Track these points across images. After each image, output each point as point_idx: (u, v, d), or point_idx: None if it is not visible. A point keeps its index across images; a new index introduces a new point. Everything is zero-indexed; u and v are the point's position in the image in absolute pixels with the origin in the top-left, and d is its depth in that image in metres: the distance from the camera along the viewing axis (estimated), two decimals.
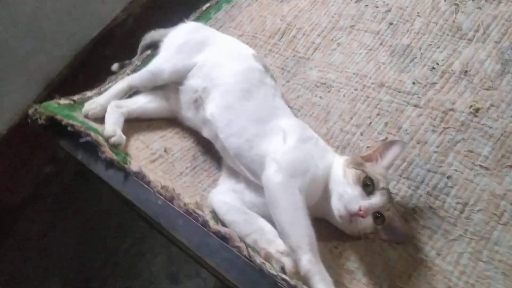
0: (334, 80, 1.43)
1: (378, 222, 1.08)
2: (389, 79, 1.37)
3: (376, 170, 1.10)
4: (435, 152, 1.21)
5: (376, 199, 1.06)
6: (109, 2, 2.11)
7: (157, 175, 1.23)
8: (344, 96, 1.39)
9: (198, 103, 1.33)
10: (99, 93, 1.53)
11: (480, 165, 1.17)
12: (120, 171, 1.20)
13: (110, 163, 1.21)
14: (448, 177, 1.17)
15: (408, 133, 1.26)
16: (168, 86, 1.44)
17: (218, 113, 1.26)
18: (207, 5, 1.82)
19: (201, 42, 1.44)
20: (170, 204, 1.12)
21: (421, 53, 1.39)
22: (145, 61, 1.64)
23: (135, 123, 1.43)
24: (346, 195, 1.06)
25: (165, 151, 1.36)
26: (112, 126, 1.32)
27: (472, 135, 1.20)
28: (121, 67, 1.69)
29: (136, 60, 1.67)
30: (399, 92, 1.34)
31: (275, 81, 1.38)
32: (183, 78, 1.39)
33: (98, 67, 2.16)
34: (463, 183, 1.15)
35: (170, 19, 1.70)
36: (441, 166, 1.18)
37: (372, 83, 1.38)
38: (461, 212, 1.12)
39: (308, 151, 1.14)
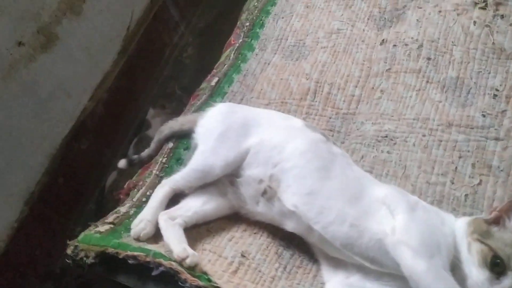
0: (395, 130, 1.34)
1: None
2: (455, 117, 1.29)
3: (505, 238, 0.98)
4: None
5: (508, 282, 0.93)
6: (75, 94, 1.97)
7: None
8: (414, 145, 1.29)
9: (268, 194, 1.19)
10: (135, 205, 1.35)
11: None
12: None
13: None
14: None
15: (502, 170, 1.17)
16: (221, 181, 1.28)
17: (302, 202, 1.12)
18: (216, 79, 1.69)
19: (244, 124, 1.31)
20: None
21: (474, 82, 1.33)
22: (172, 156, 1.48)
23: (192, 230, 1.26)
24: (471, 280, 0.96)
25: (242, 255, 1.19)
26: (180, 245, 1.14)
27: None
28: (130, 163, 1.52)
29: (159, 156, 1.50)
30: (472, 128, 1.26)
31: (340, 147, 1.28)
32: (239, 168, 1.25)
33: (77, 165, 2.02)
34: None
35: (138, 98, 1.60)
36: None
37: (438, 125, 1.30)
38: None
39: (426, 220, 1.02)
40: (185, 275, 1.05)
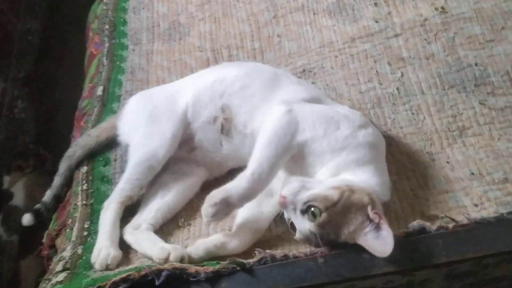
0: (309, 63, 1.37)
1: (293, 228, 0.95)
2: (353, 31, 1.39)
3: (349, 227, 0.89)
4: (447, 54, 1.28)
5: (300, 220, 0.91)
6: None
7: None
8: (332, 68, 1.34)
9: (226, 127, 1.12)
10: (79, 243, 1.13)
11: None
12: (237, 274, 0.91)
13: (215, 278, 0.91)
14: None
15: (413, 58, 1.29)
16: (173, 162, 1.16)
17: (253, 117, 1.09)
18: (100, 87, 1.50)
19: (168, 96, 1.22)
20: None
21: (354, 0, 1.46)
22: (93, 179, 1.27)
23: (164, 231, 1.12)
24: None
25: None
26: (155, 247, 1.02)
27: (459, 25, 1.32)
28: (37, 215, 1.27)
29: (75, 187, 1.27)
30: (372, 35, 1.36)
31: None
32: (188, 130, 1.16)
33: None
34: None
35: None
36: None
37: (343, 44, 1.38)
38: None
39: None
40: (193, 268, 0.92)
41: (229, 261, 0.92)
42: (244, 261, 0.92)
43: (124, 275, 0.92)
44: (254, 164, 0.98)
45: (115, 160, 1.30)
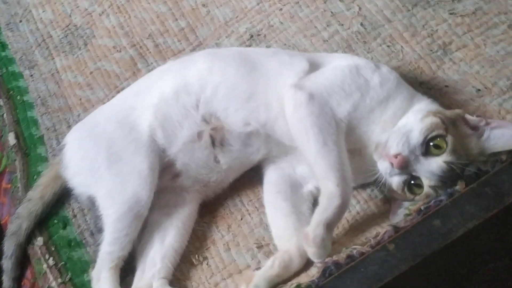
0: (252, 25, 1.18)
1: (412, 191, 0.84)
2: None
3: (470, 141, 0.83)
4: None
5: (427, 164, 0.81)
6: None
7: None
8: (282, 23, 1.17)
9: (218, 138, 0.93)
10: None
11: None
12: None
13: None
14: None
15: None
16: (156, 199, 0.94)
17: (248, 113, 0.92)
18: (11, 135, 1.19)
19: (118, 121, 0.97)
20: None
21: None
22: (56, 249, 1.02)
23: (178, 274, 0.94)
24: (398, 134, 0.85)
25: (258, 246, 0.93)
26: None
27: None
28: None
29: (37, 265, 1.02)
30: None
31: None
32: (163, 158, 0.95)
33: None
34: None
35: None
36: None
37: None
38: None
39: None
40: None
41: (293, 287, 0.77)
42: (306, 282, 0.77)
43: None
44: (329, 174, 0.82)
45: (75, 216, 1.06)
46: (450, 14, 1.10)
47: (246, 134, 0.92)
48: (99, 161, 0.94)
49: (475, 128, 0.83)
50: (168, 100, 0.95)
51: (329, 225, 0.81)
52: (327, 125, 0.84)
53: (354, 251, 0.77)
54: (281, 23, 1.17)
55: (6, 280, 1.05)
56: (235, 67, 0.94)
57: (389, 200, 0.93)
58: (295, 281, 0.79)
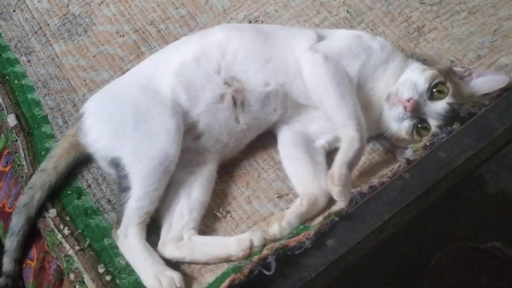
0: (250, 13, 1.29)
1: (420, 133, 0.98)
2: None
3: (462, 88, 0.99)
4: None
5: (433, 107, 0.96)
6: None
7: None
8: (277, 11, 1.29)
9: (239, 99, 1.01)
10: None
11: None
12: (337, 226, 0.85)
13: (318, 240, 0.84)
14: None
15: None
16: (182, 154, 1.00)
17: (267, 75, 1.02)
18: (12, 116, 1.19)
19: (143, 86, 1.03)
20: None
21: None
22: (71, 219, 1.03)
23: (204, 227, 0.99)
24: (407, 83, 0.99)
25: (279, 196, 1.02)
26: (233, 240, 0.91)
27: None
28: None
29: (50, 236, 1.02)
30: None
31: None
32: (186, 119, 1.01)
33: None
34: None
35: None
36: None
37: None
38: None
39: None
40: (293, 240, 0.83)
41: (324, 217, 0.85)
42: (336, 210, 0.86)
43: (226, 283, 0.78)
44: (348, 122, 0.93)
45: (89, 186, 1.08)
46: (421, 3, 1.29)
47: (266, 94, 1.01)
48: (126, 121, 0.98)
49: (461, 77, 1.00)
50: (189, 66, 1.02)
51: (351, 166, 0.92)
52: (342, 80, 0.97)
53: (375, 182, 0.88)
54: (276, 10, 1.30)
55: (7, 262, 1.03)
56: (251, 36, 1.04)
57: (390, 151, 1.06)
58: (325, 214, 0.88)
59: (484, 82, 0.99)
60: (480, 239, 1.58)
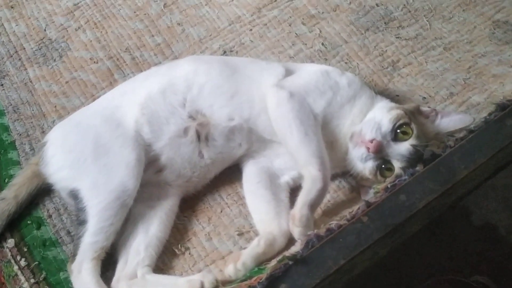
0: (225, 43, 1.29)
1: (383, 174, 0.96)
2: (256, 2, 1.35)
3: (427, 126, 0.98)
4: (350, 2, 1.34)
5: (397, 148, 0.94)
6: None
7: None
8: (252, 41, 1.29)
9: (203, 133, 1.00)
10: None
11: None
12: (291, 269, 0.81)
13: (271, 284, 0.80)
14: None
15: (323, 12, 1.32)
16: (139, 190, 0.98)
17: (233, 109, 1.01)
18: None
19: (105, 117, 1.02)
20: None
21: None
22: (29, 250, 1.02)
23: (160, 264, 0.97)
24: (373, 124, 0.97)
25: (239, 234, 1.00)
26: (184, 281, 0.89)
27: None
28: None
29: (7, 268, 1.01)
30: (275, 0, 1.35)
31: None
32: (148, 152, 1.00)
33: None
34: None
35: None
36: None
37: (251, 15, 1.33)
38: None
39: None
40: (244, 284, 0.81)
41: (278, 260, 0.83)
42: (291, 254, 0.84)
43: None
44: (311, 160, 0.91)
45: (50, 216, 1.06)
46: (396, 38, 1.28)
47: (230, 129, 1.00)
48: (86, 154, 0.97)
49: (427, 117, 0.99)
50: (155, 98, 1.01)
51: (313, 206, 0.90)
52: (306, 118, 0.95)
53: (333, 225, 0.86)
54: (251, 41, 1.30)
55: None
56: (219, 69, 1.03)
57: (355, 189, 1.04)
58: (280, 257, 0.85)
59: (449, 122, 0.98)
60: (464, 272, 1.55)
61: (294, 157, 0.96)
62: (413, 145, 0.93)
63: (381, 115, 0.97)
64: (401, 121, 0.95)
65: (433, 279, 1.51)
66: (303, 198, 0.90)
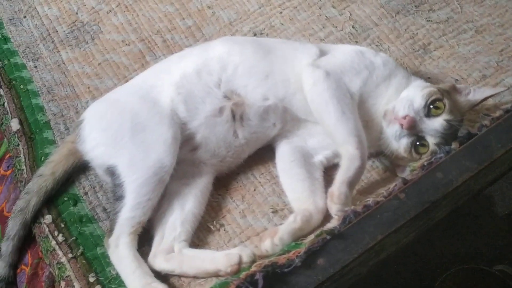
0: (255, 25, 1.30)
1: (418, 151, 0.96)
2: None
3: (461, 101, 0.99)
4: None
5: (430, 124, 0.95)
6: None
7: None
8: (282, 24, 1.30)
9: (238, 113, 1.01)
10: None
11: None
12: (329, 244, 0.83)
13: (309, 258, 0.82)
14: None
15: None
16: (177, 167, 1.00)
17: (267, 89, 1.01)
18: (15, 121, 1.20)
19: (142, 95, 1.03)
20: None
21: None
22: (66, 226, 1.03)
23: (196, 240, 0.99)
24: (407, 102, 0.97)
25: (273, 211, 1.01)
26: (223, 255, 0.89)
27: None
28: None
29: (45, 242, 1.02)
30: None
31: None
32: (184, 130, 1.01)
33: None
34: None
35: None
36: None
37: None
38: None
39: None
40: (283, 258, 0.82)
41: (316, 235, 0.84)
42: (328, 229, 0.85)
43: None
44: (349, 139, 0.92)
45: (86, 193, 1.08)
46: (427, 21, 1.28)
47: (265, 109, 1.01)
48: (123, 130, 0.99)
49: (461, 93, 1.00)
50: (190, 78, 1.02)
51: (351, 184, 0.91)
52: (343, 97, 0.96)
53: (370, 201, 0.86)
54: (282, 24, 1.31)
55: (2, 266, 1.03)
56: (252, 50, 1.04)
57: (389, 169, 1.05)
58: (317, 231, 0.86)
59: (481, 92, 0.99)
60: (488, 261, 1.55)
61: (331, 136, 0.96)
62: (446, 120, 0.94)
63: (414, 93, 0.97)
64: (433, 97, 0.95)
65: (456, 267, 1.51)
66: (341, 176, 0.90)
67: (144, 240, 0.98)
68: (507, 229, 1.68)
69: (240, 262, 0.85)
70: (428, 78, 1.17)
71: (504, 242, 1.63)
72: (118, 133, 0.99)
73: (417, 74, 1.18)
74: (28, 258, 1.08)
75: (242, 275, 0.79)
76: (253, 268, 0.80)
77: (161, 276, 0.93)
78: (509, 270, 1.55)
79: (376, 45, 1.24)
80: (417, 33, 1.26)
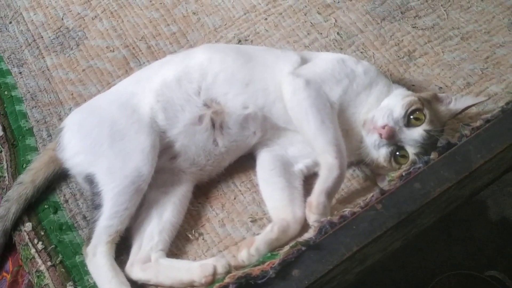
0: (240, 32, 1.30)
1: (398, 161, 0.96)
2: None
3: (441, 110, 0.99)
4: None
5: (410, 133, 0.95)
6: None
7: None
8: (267, 30, 1.29)
9: (218, 121, 1.00)
10: None
11: None
12: (304, 255, 0.82)
13: (284, 269, 0.81)
14: None
15: (339, 2, 1.32)
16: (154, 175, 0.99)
17: (247, 97, 1.01)
18: None
19: (121, 103, 1.03)
20: None
21: None
22: (46, 234, 1.03)
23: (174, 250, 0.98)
24: (385, 111, 0.97)
25: (252, 220, 1.00)
26: (198, 265, 0.89)
27: None
28: None
29: (24, 250, 1.02)
30: None
31: None
32: (163, 138, 1.01)
33: None
34: None
35: None
36: None
37: (267, 5, 1.34)
38: None
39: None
40: (257, 269, 0.81)
41: (291, 246, 0.83)
42: (304, 240, 0.84)
43: None
44: (328, 148, 0.91)
45: (66, 201, 1.07)
46: (413, 27, 1.27)
47: (244, 117, 1.00)
48: (102, 139, 0.98)
49: (442, 102, 0.99)
50: (170, 86, 1.02)
51: (330, 194, 0.90)
52: (323, 106, 0.95)
53: (346, 212, 0.86)
54: (266, 30, 1.30)
55: None
56: (233, 58, 1.04)
57: (369, 178, 1.04)
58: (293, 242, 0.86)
59: (462, 101, 0.99)
60: (479, 267, 1.54)
61: (310, 145, 0.96)
62: (426, 130, 0.93)
63: (395, 102, 0.97)
64: (413, 107, 0.95)
65: (447, 273, 1.50)
66: (320, 186, 0.90)
67: (122, 249, 0.98)
68: (499, 234, 1.67)
69: (214, 273, 0.84)
70: (412, 86, 1.16)
71: (496, 248, 1.63)
72: (97, 141, 0.99)
73: (402, 81, 1.18)
74: (9, 265, 1.08)
75: (216, 286, 0.79)
76: (226, 280, 0.79)
77: (138, 285, 0.92)
78: (500, 276, 1.54)
79: (361, 52, 1.24)
80: (402, 40, 1.25)
